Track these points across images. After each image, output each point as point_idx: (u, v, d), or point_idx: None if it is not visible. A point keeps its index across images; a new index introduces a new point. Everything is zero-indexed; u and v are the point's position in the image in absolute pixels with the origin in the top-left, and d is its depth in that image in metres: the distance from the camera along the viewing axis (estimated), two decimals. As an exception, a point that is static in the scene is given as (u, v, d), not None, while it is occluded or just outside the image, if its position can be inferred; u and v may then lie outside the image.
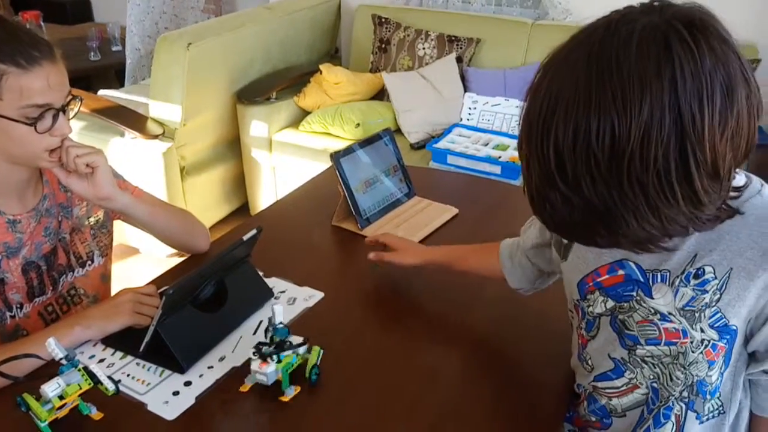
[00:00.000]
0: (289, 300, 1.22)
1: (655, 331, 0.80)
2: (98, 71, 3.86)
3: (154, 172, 2.63)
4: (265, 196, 3.05)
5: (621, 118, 0.61)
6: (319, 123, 2.90)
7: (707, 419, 0.85)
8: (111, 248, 1.34)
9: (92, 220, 1.27)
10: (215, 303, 1.13)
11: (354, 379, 1.05)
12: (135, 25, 3.54)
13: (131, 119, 2.63)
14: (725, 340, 0.77)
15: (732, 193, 0.70)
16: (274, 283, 1.26)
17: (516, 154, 2.58)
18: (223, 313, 1.12)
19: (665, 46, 0.61)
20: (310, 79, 3.09)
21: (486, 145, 2.70)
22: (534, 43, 2.95)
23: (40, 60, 1.00)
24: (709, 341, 0.77)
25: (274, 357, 0.96)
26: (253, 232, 1.13)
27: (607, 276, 0.82)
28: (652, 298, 0.78)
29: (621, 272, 0.81)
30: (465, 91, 2.97)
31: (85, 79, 3.81)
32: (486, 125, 2.88)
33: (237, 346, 1.10)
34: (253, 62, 2.96)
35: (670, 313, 0.78)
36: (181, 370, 1.05)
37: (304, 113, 3.04)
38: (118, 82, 3.79)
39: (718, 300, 0.75)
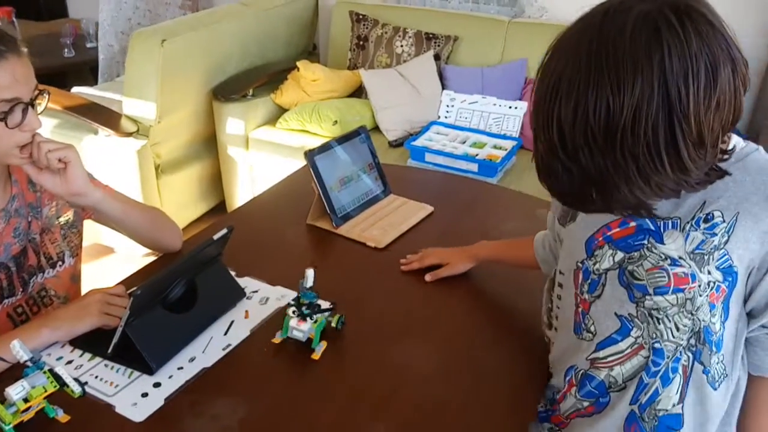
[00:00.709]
0: (262, 300, 1.21)
1: (665, 277, 0.83)
2: (73, 68, 3.80)
3: (129, 171, 2.60)
4: (241, 193, 3.03)
5: (615, 96, 0.68)
6: (297, 120, 2.89)
7: (718, 385, 0.87)
8: (81, 248, 1.32)
9: (62, 220, 1.25)
10: (185, 303, 1.11)
11: (326, 378, 1.05)
12: (108, 22, 3.49)
13: (105, 117, 2.60)
14: (727, 282, 0.82)
15: (724, 156, 0.77)
16: (246, 282, 1.25)
17: (494, 152, 2.60)
18: (194, 313, 1.11)
19: (655, 32, 0.68)
20: (287, 76, 3.07)
21: (464, 142, 2.71)
22: (511, 40, 2.96)
23: (5, 54, 0.99)
24: (714, 283, 0.81)
25: (313, 317, 1.06)
26: (224, 231, 1.12)
27: (618, 229, 0.87)
28: (664, 244, 0.83)
29: (633, 224, 0.86)
30: (443, 88, 2.97)
31: (59, 76, 3.74)
32: (464, 123, 2.89)
33: (208, 347, 1.09)
34: (230, 59, 2.94)
35: (680, 258, 0.82)
36: (150, 372, 1.03)
37: (282, 110, 3.02)
38: (93, 79, 3.73)
39: (726, 242, 0.80)
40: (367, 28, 3.16)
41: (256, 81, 2.97)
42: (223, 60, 2.90)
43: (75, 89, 3.05)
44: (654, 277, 0.84)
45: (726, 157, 0.78)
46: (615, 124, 0.69)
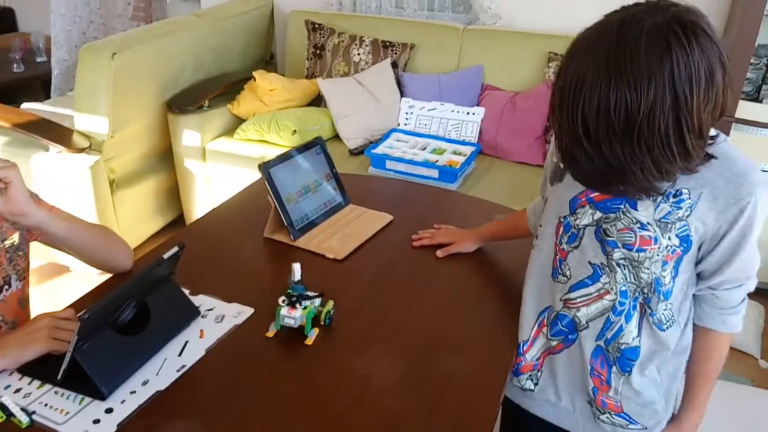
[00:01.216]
0: (217, 318, 1.19)
1: (632, 238, 0.98)
2: (22, 83, 3.70)
3: (82, 187, 2.53)
4: (200, 206, 2.98)
5: (633, 97, 0.80)
6: (255, 130, 2.86)
7: (666, 328, 1.04)
8: (28, 271, 1.27)
9: (7, 243, 1.21)
10: (137, 324, 1.08)
11: (292, 393, 1.03)
12: (61, 35, 3.41)
13: (55, 133, 2.53)
14: (682, 248, 0.98)
15: (709, 142, 0.91)
16: (201, 300, 1.23)
17: (453, 158, 2.61)
18: (146, 334, 1.08)
19: (666, 44, 0.81)
20: (244, 86, 3.04)
21: (424, 149, 2.72)
22: (466, 47, 2.99)
23: None
24: (671, 247, 0.97)
25: (302, 303, 1.14)
26: (175, 249, 1.09)
27: (599, 192, 1.00)
28: (637, 210, 0.98)
29: None
30: (401, 96, 2.98)
31: (8, 92, 3.64)
32: (423, 129, 2.90)
33: (161, 369, 1.06)
34: (184, 70, 2.89)
35: (648, 223, 0.97)
36: (102, 397, 1.00)
37: (239, 121, 2.99)
38: (45, 94, 3.64)
39: (688, 215, 0.96)
40: (323, 36, 3.15)
41: (211, 92, 2.93)
42: (177, 72, 2.86)
43: (25, 105, 2.97)
44: (623, 236, 0.99)
45: (711, 142, 0.92)
46: (633, 120, 0.81)
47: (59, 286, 2.73)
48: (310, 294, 1.17)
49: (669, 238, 0.97)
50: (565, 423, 1.18)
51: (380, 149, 2.70)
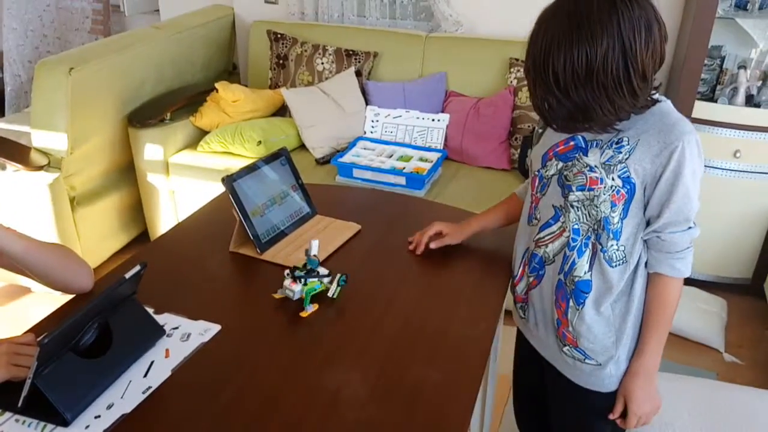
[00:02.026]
0: (183, 336, 1.16)
1: (584, 179, 1.17)
2: (-25, 100, 3.59)
3: (41, 205, 2.46)
4: (165, 221, 2.93)
5: (591, 49, 1.03)
6: (219, 142, 2.83)
7: (616, 265, 1.19)
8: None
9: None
10: (100, 347, 1.05)
11: (264, 406, 1.01)
12: (14, 51, 3.33)
13: (12, 150, 2.46)
14: (626, 189, 1.14)
15: (652, 91, 1.12)
16: (166, 319, 1.20)
17: (420, 164, 2.62)
18: (109, 357, 1.05)
19: (612, 4, 1.03)
20: (206, 98, 3.00)
21: (390, 156, 2.72)
22: (429, 54, 3.01)
23: None
24: (615, 187, 1.14)
25: (302, 280, 1.26)
26: (137, 268, 1.07)
27: (562, 146, 1.22)
28: (587, 157, 1.17)
29: (572, 143, 1.21)
30: (366, 104, 2.98)
31: (-39, 109, 3.54)
32: (389, 137, 2.90)
33: (126, 391, 1.04)
34: (144, 83, 2.85)
35: (596, 166, 1.16)
36: (65, 423, 0.97)
37: (202, 133, 2.95)
38: (0, 111, 3.54)
39: (627, 159, 1.13)
40: (286, 46, 3.13)
41: (173, 105, 2.89)
42: (137, 85, 2.81)
43: (-22, 123, 2.88)
44: (577, 179, 1.18)
45: (654, 92, 1.13)
46: (592, 67, 1.03)
47: (21, 307, 2.65)
48: (320, 271, 1.29)
49: (612, 179, 1.14)
50: (545, 353, 1.35)
51: (347, 158, 2.69)
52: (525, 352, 1.45)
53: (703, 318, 2.55)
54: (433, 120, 2.88)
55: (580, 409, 1.34)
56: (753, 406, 1.63)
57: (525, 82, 2.73)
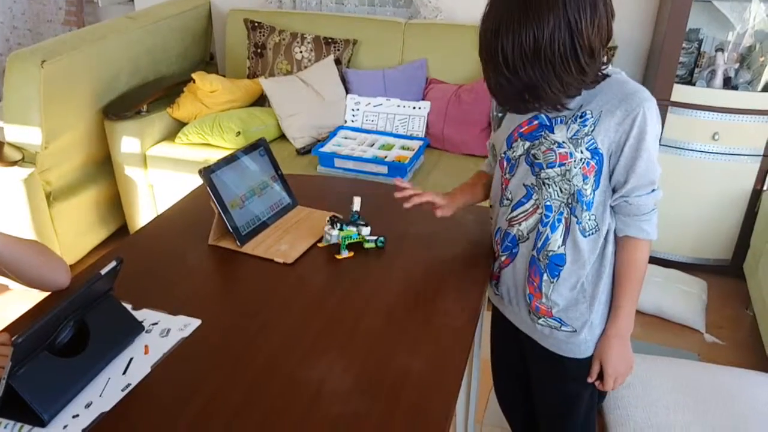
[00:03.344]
0: (162, 332, 1.14)
1: (553, 155, 1.20)
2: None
3: (16, 201, 2.42)
4: (144, 215, 2.89)
5: (538, 29, 1.03)
6: (197, 134, 2.79)
7: (589, 235, 1.23)
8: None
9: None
10: (77, 345, 1.03)
11: (246, 401, 1.00)
12: (-17, 42, 3.25)
13: (-16, 146, 2.41)
14: (595, 161, 1.18)
15: (602, 67, 1.15)
16: (144, 315, 1.18)
17: (402, 153, 2.61)
18: (87, 354, 1.03)
19: None
20: (183, 89, 2.96)
21: (372, 145, 2.70)
22: (409, 41, 2.98)
23: None
24: (584, 159, 1.18)
25: (338, 225, 1.41)
26: (113, 264, 1.05)
27: (527, 127, 1.24)
28: (554, 134, 1.20)
29: (536, 122, 1.23)
30: (346, 92, 2.95)
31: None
32: (370, 126, 2.88)
33: (105, 389, 1.02)
34: (119, 75, 2.80)
35: (563, 142, 1.19)
36: (42, 423, 0.95)
37: (180, 125, 2.91)
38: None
39: (593, 131, 1.17)
40: (263, 35, 3.09)
41: (149, 96, 2.84)
42: (112, 77, 2.76)
43: (-52, 118, 2.81)
44: (547, 156, 1.21)
45: (604, 67, 1.15)
46: (539, 46, 1.04)
47: (-2, 306, 2.61)
48: (359, 222, 1.43)
49: (581, 152, 1.17)
50: (522, 326, 1.38)
51: (328, 147, 2.67)
52: (500, 330, 1.50)
53: (683, 299, 2.57)
54: (414, 108, 2.86)
55: (558, 376, 1.39)
56: (734, 386, 1.65)
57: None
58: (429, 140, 2.78)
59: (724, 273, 2.80)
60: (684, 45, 2.57)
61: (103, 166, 2.87)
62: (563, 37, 1.04)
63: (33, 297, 1.26)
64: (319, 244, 1.44)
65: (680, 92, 2.56)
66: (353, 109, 2.92)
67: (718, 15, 2.60)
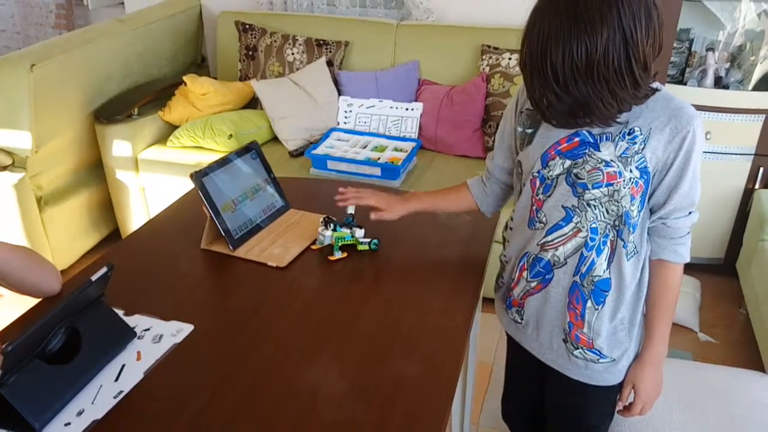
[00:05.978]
0: (155, 338, 1.13)
1: (600, 175, 1.12)
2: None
3: (7, 207, 2.40)
4: (136, 219, 2.88)
5: (591, 41, 0.97)
6: (189, 137, 2.78)
7: (630, 258, 1.17)
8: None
9: None
10: (68, 352, 1.02)
11: (240, 407, 0.99)
12: (-28, 46, 3.23)
13: (-27, 151, 2.39)
14: (643, 180, 1.12)
15: (651, 81, 1.07)
16: (136, 321, 1.17)
17: (395, 154, 2.60)
18: (78, 362, 1.02)
19: None
20: (175, 92, 2.94)
21: (365, 147, 2.70)
22: (401, 43, 2.98)
23: None
24: (633, 179, 1.11)
25: (331, 225, 1.42)
26: (104, 270, 1.04)
27: (566, 144, 1.15)
28: (600, 152, 1.12)
29: (576, 139, 1.14)
30: (339, 94, 2.95)
31: None
32: (363, 128, 2.88)
33: (97, 397, 1.01)
34: (110, 79, 2.78)
35: (612, 160, 1.11)
36: (34, 432, 0.94)
37: (172, 128, 2.89)
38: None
39: (643, 148, 1.10)
40: (255, 37, 3.08)
41: (140, 99, 2.82)
42: (103, 80, 2.74)
43: (-63, 123, 2.79)
44: (593, 176, 1.12)
45: (653, 81, 1.08)
46: (592, 60, 0.98)
47: (-11, 312, 2.59)
48: (352, 224, 1.42)
49: (631, 171, 1.10)
50: (546, 358, 1.29)
51: (321, 150, 2.66)
52: (519, 360, 1.41)
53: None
54: (406, 109, 2.86)
55: (583, 408, 1.33)
56: (727, 385, 1.65)
57: (497, 69, 2.73)
58: (422, 142, 2.78)
59: (717, 272, 2.81)
60: (675, 45, 2.58)
61: (95, 170, 2.85)
62: (618, 51, 0.98)
63: (24, 303, 1.25)
64: (313, 246, 1.44)
65: (672, 92, 2.57)
66: (346, 111, 2.91)
67: (708, 14, 2.61)
